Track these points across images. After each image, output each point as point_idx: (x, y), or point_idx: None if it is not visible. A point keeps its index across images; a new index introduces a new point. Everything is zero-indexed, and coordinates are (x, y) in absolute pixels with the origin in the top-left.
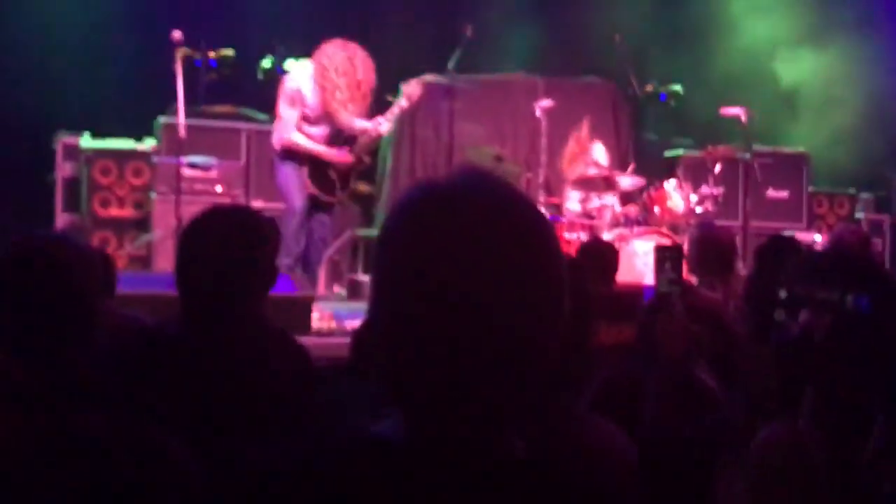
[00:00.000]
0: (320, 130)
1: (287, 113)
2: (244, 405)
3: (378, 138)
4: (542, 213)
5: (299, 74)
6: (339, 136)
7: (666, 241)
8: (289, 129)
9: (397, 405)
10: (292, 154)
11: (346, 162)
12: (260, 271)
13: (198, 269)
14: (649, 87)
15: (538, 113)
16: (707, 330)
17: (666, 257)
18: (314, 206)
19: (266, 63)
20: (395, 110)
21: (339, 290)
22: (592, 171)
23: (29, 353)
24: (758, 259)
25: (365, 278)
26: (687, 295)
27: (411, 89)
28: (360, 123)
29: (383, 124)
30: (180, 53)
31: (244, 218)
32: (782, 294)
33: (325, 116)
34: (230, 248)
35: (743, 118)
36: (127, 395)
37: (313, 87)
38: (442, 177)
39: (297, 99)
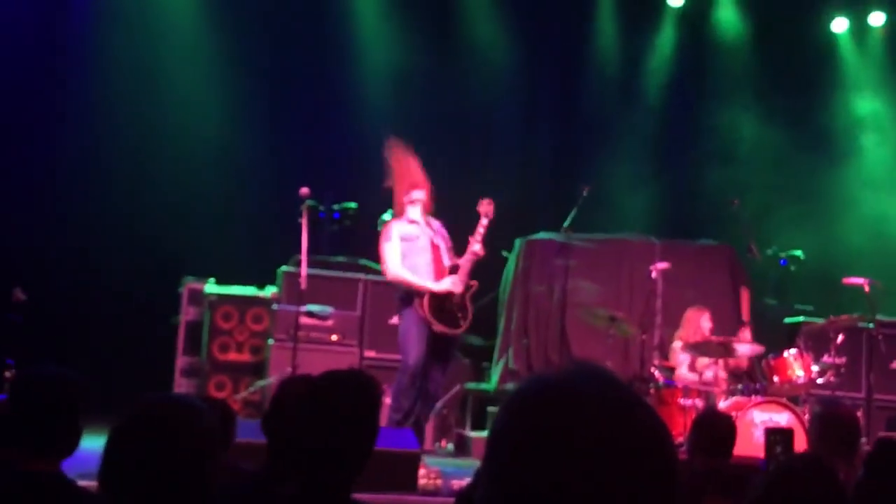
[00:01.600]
0: (424, 261)
1: (386, 248)
2: None
3: (477, 260)
4: (653, 410)
5: (396, 220)
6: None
7: (781, 417)
8: (390, 263)
9: None
10: (409, 296)
11: (456, 291)
12: (369, 437)
13: (311, 438)
14: (769, 252)
15: (654, 275)
16: None
17: (777, 441)
18: (430, 361)
19: (386, 216)
20: (479, 230)
21: (446, 444)
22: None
23: None
24: (868, 465)
25: (473, 434)
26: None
27: (485, 207)
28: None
29: (475, 245)
30: (306, 207)
31: (358, 385)
32: None
33: (423, 239)
34: (344, 419)
35: (866, 288)
36: None
37: (407, 220)
38: (555, 373)
39: (392, 235)
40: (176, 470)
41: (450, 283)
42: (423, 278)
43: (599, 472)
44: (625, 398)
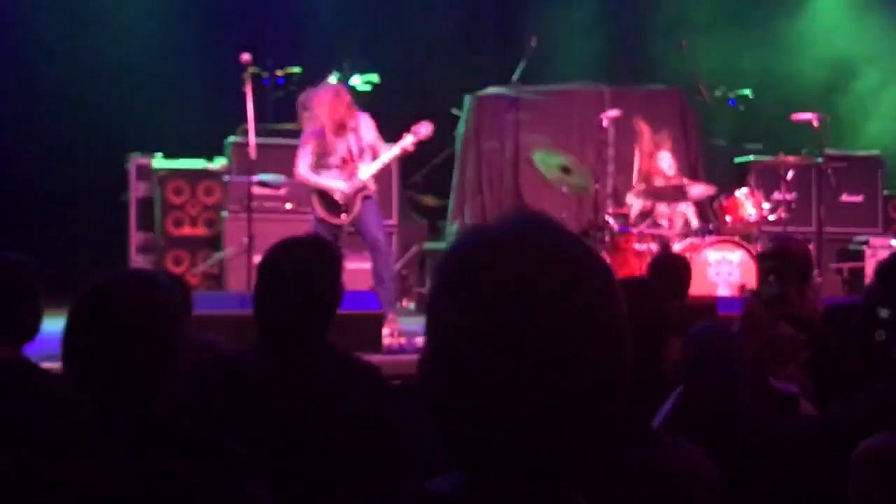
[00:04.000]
0: (335, 161)
1: (299, 153)
2: (322, 436)
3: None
4: (600, 257)
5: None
6: (347, 164)
7: (735, 256)
8: (299, 167)
9: (456, 457)
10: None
11: (344, 192)
12: (333, 298)
13: (278, 303)
14: (717, 92)
15: (605, 123)
16: (805, 337)
17: (769, 268)
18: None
19: (332, 79)
20: (397, 147)
21: (407, 304)
22: (659, 182)
23: (108, 395)
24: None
25: None
26: (788, 304)
27: (422, 129)
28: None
29: (390, 152)
30: (249, 74)
31: (318, 248)
32: (883, 313)
33: (336, 157)
34: (309, 280)
35: (815, 123)
36: (207, 433)
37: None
38: (494, 222)
39: (307, 144)
40: (139, 345)
41: (341, 185)
42: (328, 176)
43: (539, 323)
44: (563, 243)
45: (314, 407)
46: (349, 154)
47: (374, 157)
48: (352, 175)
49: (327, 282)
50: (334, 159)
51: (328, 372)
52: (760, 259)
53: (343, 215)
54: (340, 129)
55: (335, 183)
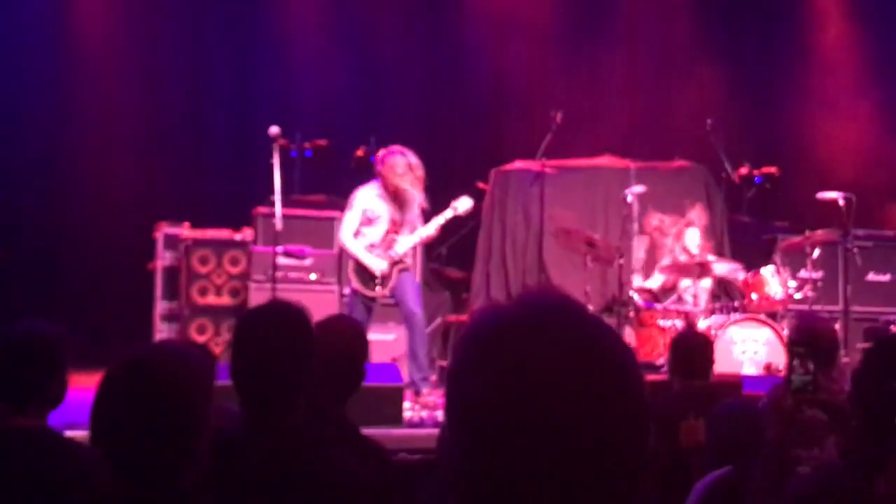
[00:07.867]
0: (376, 232)
1: (346, 216)
2: None
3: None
4: (617, 336)
5: (365, 187)
6: (387, 239)
7: (761, 334)
8: (343, 230)
9: None
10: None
11: (383, 271)
12: (306, 365)
13: (249, 370)
14: (744, 170)
15: (630, 198)
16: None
17: (798, 354)
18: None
19: (359, 152)
20: (439, 220)
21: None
22: (683, 258)
23: (135, 466)
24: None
25: None
26: (818, 391)
27: (462, 204)
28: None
29: (429, 229)
30: (277, 146)
31: (289, 315)
32: None
33: (384, 219)
34: (276, 348)
35: (841, 202)
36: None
37: (377, 193)
38: (512, 303)
39: (356, 206)
40: (168, 418)
41: (379, 264)
42: (370, 246)
43: (560, 406)
44: (584, 325)
45: (294, 482)
46: (393, 224)
47: (413, 230)
48: (390, 245)
49: (297, 348)
50: (381, 223)
51: (314, 447)
52: (789, 345)
53: (378, 288)
54: (397, 198)
55: (375, 262)
